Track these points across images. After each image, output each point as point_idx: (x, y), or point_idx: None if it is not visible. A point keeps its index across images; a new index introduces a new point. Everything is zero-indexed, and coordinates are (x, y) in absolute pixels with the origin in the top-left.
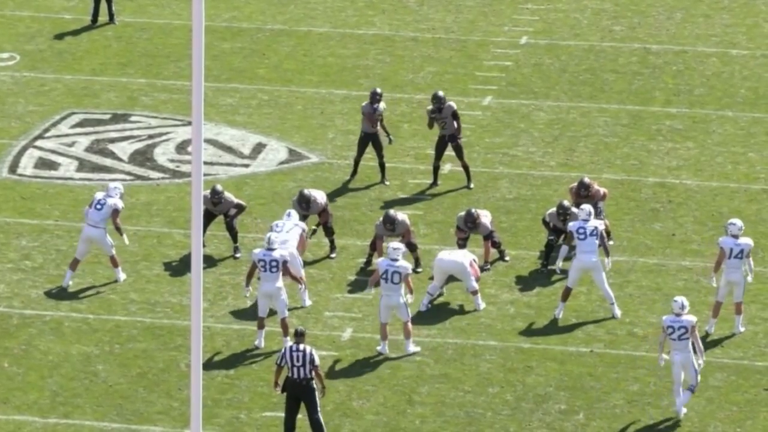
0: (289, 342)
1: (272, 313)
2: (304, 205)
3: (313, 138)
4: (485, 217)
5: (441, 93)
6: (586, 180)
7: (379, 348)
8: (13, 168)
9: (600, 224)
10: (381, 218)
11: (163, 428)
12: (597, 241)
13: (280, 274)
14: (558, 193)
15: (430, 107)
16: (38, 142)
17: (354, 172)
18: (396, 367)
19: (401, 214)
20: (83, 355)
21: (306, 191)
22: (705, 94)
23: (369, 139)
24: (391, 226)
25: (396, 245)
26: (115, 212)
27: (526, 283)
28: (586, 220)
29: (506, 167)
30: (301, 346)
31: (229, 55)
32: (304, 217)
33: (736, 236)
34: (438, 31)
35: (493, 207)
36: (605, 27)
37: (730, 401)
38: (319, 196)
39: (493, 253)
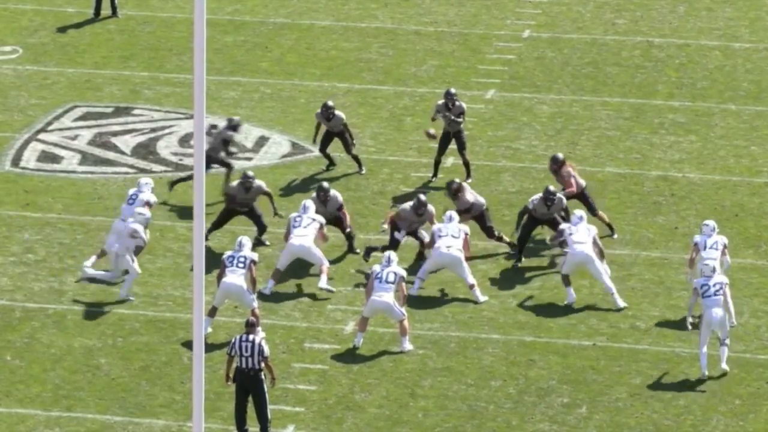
0: (261, 333)
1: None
2: (322, 195)
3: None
4: (467, 193)
5: (453, 90)
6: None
7: (354, 341)
8: (16, 161)
9: (593, 229)
10: (412, 203)
11: (166, 421)
12: (589, 234)
13: (246, 272)
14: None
15: (441, 101)
16: (41, 136)
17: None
18: (398, 361)
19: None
20: (86, 349)
21: (326, 185)
22: (708, 87)
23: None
24: (422, 211)
25: (393, 256)
26: (147, 205)
27: (528, 276)
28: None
29: (509, 160)
30: (251, 337)
31: (231, 49)
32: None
33: (709, 236)
34: (441, 24)
35: (496, 200)
36: (608, 20)
37: (733, 394)
38: (338, 195)
39: (495, 246)
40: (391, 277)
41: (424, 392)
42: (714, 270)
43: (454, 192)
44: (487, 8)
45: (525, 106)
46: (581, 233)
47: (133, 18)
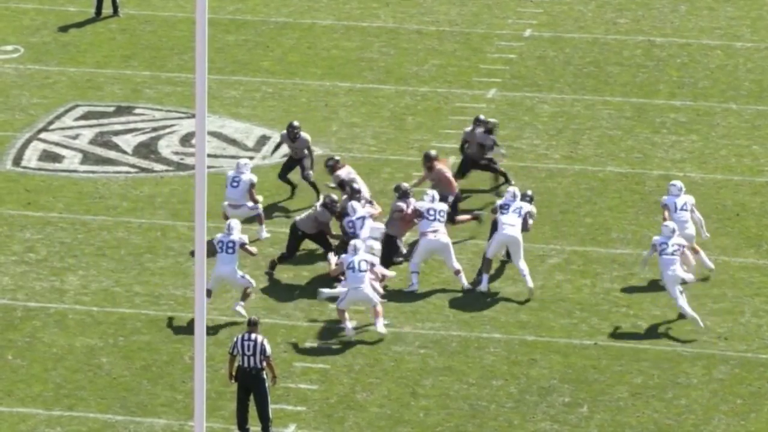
0: (242, 309)
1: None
2: (292, 132)
3: (317, 130)
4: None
5: (482, 117)
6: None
7: (346, 332)
8: (17, 160)
9: (528, 206)
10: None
11: (167, 420)
12: (519, 217)
13: (236, 256)
14: (562, 186)
15: (469, 128)
16: (42, 135)
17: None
18: (400, 360)
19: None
20: (87, 348)
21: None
22: (709, 86)
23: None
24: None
25: (368, 243)
26: (252, 185)
27: (530, 275)
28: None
29: (510, 160)
30: (253, 336)
31: (233, 48)
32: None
33: (677, 196)
34: (442, 23)
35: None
36: (609, 20)
37: (735, 394)
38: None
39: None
40: (364, 266)
41: (425, 391)
42: (674, 231)
43: (405, 192)
44: (489, 7)
45: (526, 105)
46: (511, 215)
47: (134, 17)
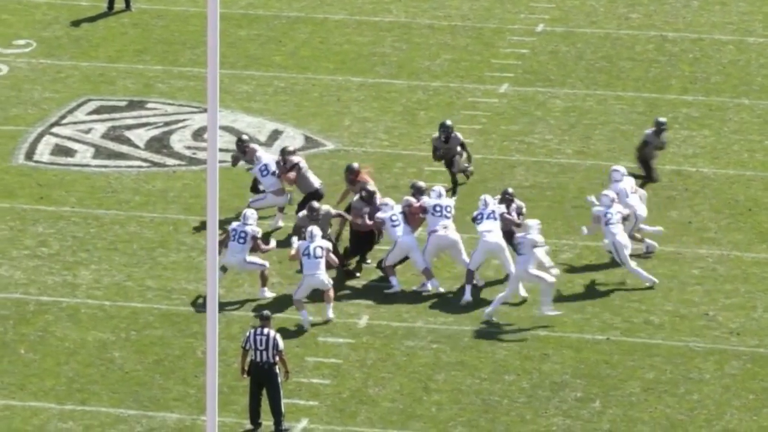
0: (267, 292)
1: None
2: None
3: (329, 125)
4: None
5: (449, 122)
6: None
7: (302, 322)
8: (29, 155)
9: (501, 208)
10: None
11: (180, 415)
12: (495, 221)
13: (247, 246)
14: (574, 181)
15: (435, 135)
16: (55, 129)
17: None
18: (412, 355)
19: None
20: (100, 342)
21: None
22: (721, 81)
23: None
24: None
25: (316, 230)
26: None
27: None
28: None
29: (522, 155)
30: (265, 330)
31: (245, 42)
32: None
33: (620, 181)
34: (454, 18)
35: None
36: (622, 14)
37: (747, 389)
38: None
39: None
40: (319, 252)
41: (437, 386)
42: (613, 200)
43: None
44: (501, 2)
45: (538, 100)
46: (486, 222)
47: (146, 12)
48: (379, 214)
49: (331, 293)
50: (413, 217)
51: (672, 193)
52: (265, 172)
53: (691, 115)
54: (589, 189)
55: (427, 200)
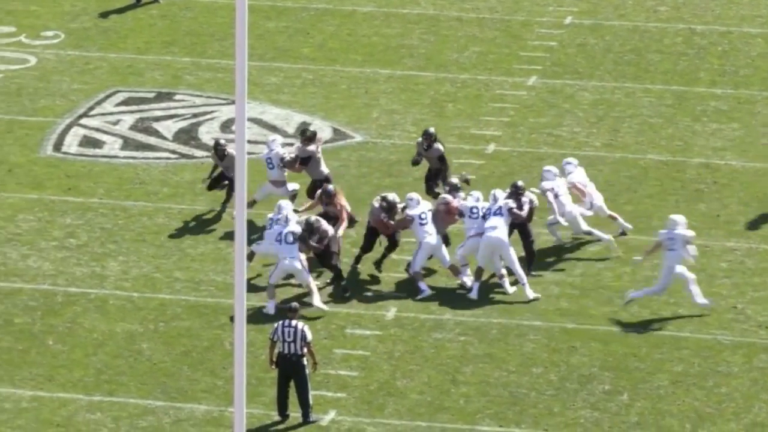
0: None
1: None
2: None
3: (357, 117)
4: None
5: (432, 130)
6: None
7: (267, 308)
8: (57, 146)
9: (509, 202)
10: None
11: (207, 406)
12: (502, 218)
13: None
14: (603, 174)
15: (419, 140)
16: (83, 121)
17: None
18: (440, 347)
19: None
20: (128, 333)
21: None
22: (750, 74)
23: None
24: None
25: (292, 215)
26: (281, 159)
27: (569, 263)
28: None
29: (551, 147)
30: (293, 322)
31: (273, 34)
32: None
33: (572, 173)
34: (482, 10)
35: (538, 187)
36: (650, 7)
37: None
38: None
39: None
40: (290, 238)
41: (465, 378)
42: (556, 175)
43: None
44: None
45: (567, 92)
46: (493, 218)
47: (175, 3)
48: (408, 211)
49: (312, 284)
50: (448, 216)
51: (700, 186)
52: (271, 166)
53: (719, 108)
54: (617, 182)
55: (463, 203)
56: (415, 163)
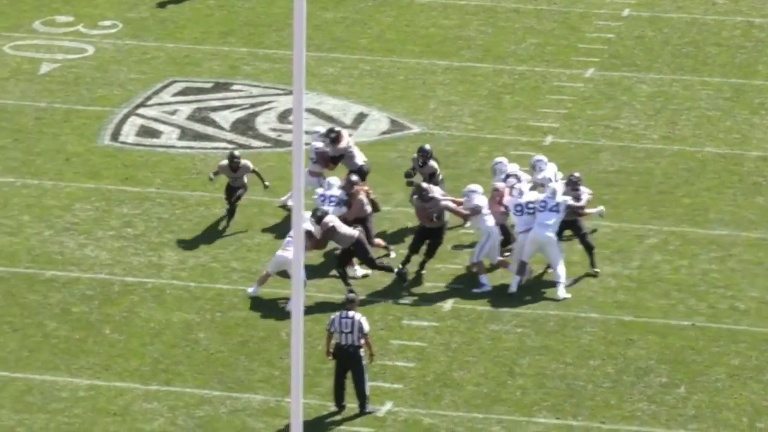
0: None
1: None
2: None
3: (414, 108)
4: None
5: (428, 147)
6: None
7: (249, 290)
8: (115, 135)
9: (568, 199)
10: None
11: (264, 396)
12: (556, 215)
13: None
14: (660, 166)
15: (415, 156)
16: (140, 110)
17: None
18: (497, 339)
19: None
20: (184, 323)
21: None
22: None
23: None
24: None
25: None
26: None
27: (627, 256)
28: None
29: (608, 139)
30: (350, 313)
31: (331, 25)
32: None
33: (543, 170)
34: (540, 2)
35: (595, 179)
36: (708, 0)
37: None
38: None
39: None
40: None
41: (522, 370)
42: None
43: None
44: None
45: (624, 85)
46: (547, 213)
47: None
48: (475, 201)
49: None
50: (495, 204)
51: (758, 179)
52: (313, 158)
53: None
54: (675, 175)
55: (509, 199)
56: (408, 176)
